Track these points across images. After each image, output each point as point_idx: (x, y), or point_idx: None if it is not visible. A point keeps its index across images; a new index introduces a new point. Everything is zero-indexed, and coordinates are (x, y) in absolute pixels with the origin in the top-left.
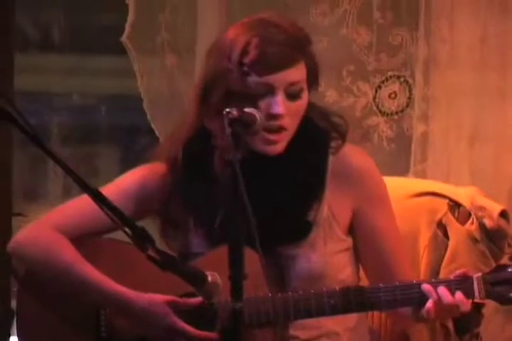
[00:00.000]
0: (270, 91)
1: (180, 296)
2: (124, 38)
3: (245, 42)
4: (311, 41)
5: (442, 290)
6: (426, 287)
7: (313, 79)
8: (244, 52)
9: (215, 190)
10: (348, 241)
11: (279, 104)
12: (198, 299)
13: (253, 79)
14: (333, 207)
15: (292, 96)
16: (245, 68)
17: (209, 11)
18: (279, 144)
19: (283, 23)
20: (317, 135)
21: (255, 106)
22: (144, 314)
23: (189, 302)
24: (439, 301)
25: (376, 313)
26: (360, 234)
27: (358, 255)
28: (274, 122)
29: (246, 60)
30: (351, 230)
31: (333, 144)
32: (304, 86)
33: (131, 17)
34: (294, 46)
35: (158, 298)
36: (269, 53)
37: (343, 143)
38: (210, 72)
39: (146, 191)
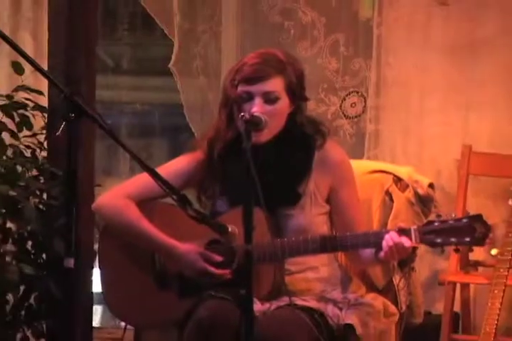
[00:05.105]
0: (251, 97)
1: (209, 242)
2: (171, 65)
3: (239, 65)
4: (294, 64)
5: (392, 232)
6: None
7: (293, 91)
8: (237, 71)
9: (236, 168)
10: (326, 208)
11: (255, 106)
12: (219, 257)
13: (240, 88)
14: (317, 183)
15: (269, 101)
16: (236, 82)
17: (230, 46)
18: (261, 136)
19: (277, 53)
20: (306, 137)
21: (243, 107)
22: (181, 258)
23: (213, 257)
24: (390, 240)
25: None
26: (333, 204)
27: (331, 217)
28: None
29: (237, 76)
30: (328, 200)
31: (317, 143)
32: (281, 95)
33: (175, 49)
34: (270, 66)
35: (194, 247)
36: (247, 70)
37: (324, 142)
38: (222, 87)
39: (188, 170)
